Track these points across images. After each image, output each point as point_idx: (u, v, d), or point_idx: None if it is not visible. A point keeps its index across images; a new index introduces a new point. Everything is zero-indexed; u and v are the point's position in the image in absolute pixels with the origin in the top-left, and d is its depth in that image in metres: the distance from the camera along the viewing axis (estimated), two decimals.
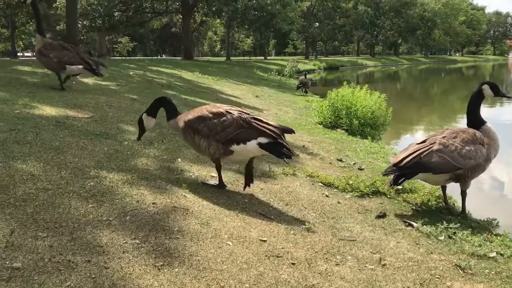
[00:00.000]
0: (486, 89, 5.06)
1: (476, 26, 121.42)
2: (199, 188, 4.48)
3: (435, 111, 21.45)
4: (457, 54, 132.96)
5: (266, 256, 3.34)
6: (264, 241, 3.58)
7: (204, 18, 47.15)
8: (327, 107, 10.50)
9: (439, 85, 39.58)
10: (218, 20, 51.51)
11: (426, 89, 36.10)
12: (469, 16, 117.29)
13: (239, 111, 4.38)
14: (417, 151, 4.68)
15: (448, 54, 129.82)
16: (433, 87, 37.71)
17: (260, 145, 4.20)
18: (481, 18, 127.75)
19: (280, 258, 3.35)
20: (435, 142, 4.71)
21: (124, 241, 3.13)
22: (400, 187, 5.36)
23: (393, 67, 72.95)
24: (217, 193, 4.45)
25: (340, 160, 6.90)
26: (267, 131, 4.19)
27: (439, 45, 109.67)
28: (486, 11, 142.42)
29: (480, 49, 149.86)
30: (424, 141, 4.84)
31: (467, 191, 4.95)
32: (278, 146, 4.20)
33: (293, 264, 3.29)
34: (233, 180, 4.92)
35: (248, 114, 4.37)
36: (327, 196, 5.04)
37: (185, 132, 4.45)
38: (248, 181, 4.54)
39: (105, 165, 4.55)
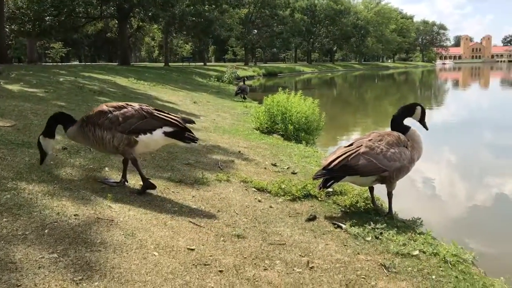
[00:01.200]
0: (418, 110, 5.24)
1: (405, 34, 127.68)
2: (125, 198, 4.33)
3: (369, 116, 22.24)
4: (389, 61, 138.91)
5: (194, 265, 3.27)
6: (192, 249, 3.50)
7: (140, 23, 46.29)
8: (264, 112, 10.57)
9: (372, 91, 41.15)
10: (155, 26, 50.68)
11: (361, 94, 37.41)
12: (399, 25, 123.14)
13: (139, 104, 4.51)
14: (344, 154, 4.79)
15: (380, 60, 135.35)
16: (367, 93, 39.14)
17: (166, 133, 4.39)
18: (410, 26, 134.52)
19: (207, 266, 3.29)
20: (361, 145, 4.84)
21: (40, 256, 2.95)
22: (330, 189, 5.47)
23: (329, 74, 75.07)
24: (145, 202, 4.32)
25: (275, 165, 6.93)
26: (171, 120, 4.38)
27: (372, 52, 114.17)
28: (414, 19, 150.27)
29: (410, 55, 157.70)
30: (351, 144, 4.96)
31: (393, 192, 5.11)
32: (183, 134, 4.42)
33: (220, 271, 3.24)
34: (163, 188, 4.81)
35: (149, 106, 4.50)
36: (259, 201, 5.04)
37: (85, 129, 4.34)
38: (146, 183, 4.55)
39: (25, 176, 4.29)
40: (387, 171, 4.78)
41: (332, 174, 4.72)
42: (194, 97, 17.25)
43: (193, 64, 68.94)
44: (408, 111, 5.25)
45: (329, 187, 4.80)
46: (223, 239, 3.81)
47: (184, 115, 11.34)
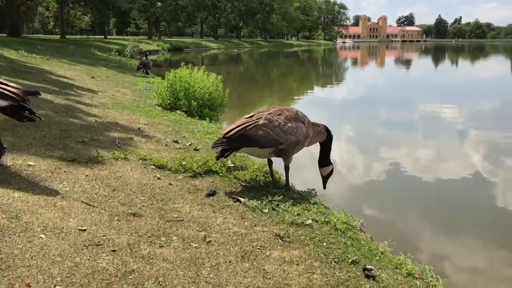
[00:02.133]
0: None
1: (309, 13, 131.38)
2: (11, 178, 4.03)
3: (274, 93, 22.70)
4: (293, 39, 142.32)
5: (85, 245, 3.15)
6: (84, 230, 3.37)
7: None
8: (166, 88, 10.36)
9: (278, 68, 42.00)
10: None
11: (266, 72, 38.04)
12: (303, 3, 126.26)
13: None
14: (243, 124, 4.87)
15: (285, 38, 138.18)
16: (273, 70, 39.89)
17: None
18: (313, 5, 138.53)
19: (100, 246, 3.19)
20: (261, 117, 4.95)
21: None
22: (230, 164, 5.55)
23: (236, 50, 75.26)
24: (32, 183, 4.06)
25: (176, 142, 6.87)
26: (7, 93, 3.82)
27: (277, 29, 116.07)
28: None
29: (313, 34, 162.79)
30: (251, 116, 5.04)
31: (291, 165, 5.30)
32: (20, 109, 3.87)
33: (113, 251, 3.16)
34: (54, 168, 4.55)
35: None
36: (158, 178, 4.97)
37: None
38: None
39: None
40: (284, 144, 4.93)
41: (230, 143, 4.77)
42: (92, 71, 16.41)
43: (93, 37, 65.31)
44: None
45: (226, 156, 4.86)
46: (118, 218, 3.71)
47: (81, 90, 10.77)
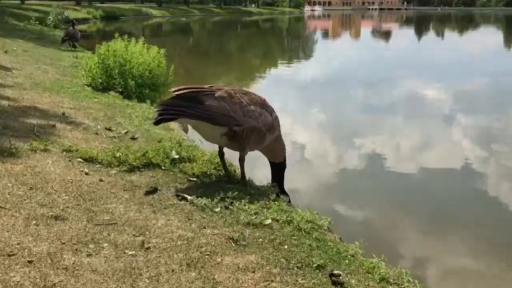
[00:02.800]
0: None
1: None
2: None
3: (231, 70, 22.72)
4: (253, 6, 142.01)
5: None
6: None
7: None
8: (97, 64, 10.18)
9: (235, 41, 41.95)
10: None
11: (221, 44, 37.91)
12: None
13: None
14: (199, 88, 4.88)
15: (243, 5, 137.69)
16: (229, 43, 39.82)
17: None
18: None
19: (13, 256, 3.12)
20: (222, 89, 4.96)
21: None
22: (174, 154, 5.61)
23: (184, 18, 74.62)
24: None
25: (110, 129, 6.81)
26: None
27: None
28: None
29: (276, 1, 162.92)
30: (211, 86, 5.06)
31: (250, 157, 5.35)
32: None
33: (30, 262, 3.10)
34: None
35: None
36: (87, 174, 4.91)
37: None
38: None
39: None
40: (240, 126, 4.94)
41: (176, 108, 4.73)
42: (5, 44, 15.88)
43: (6, 2, 63.08)
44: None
45: (169, 120, 4.91)
46: (36, 223, 3.64)
47: None
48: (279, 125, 5.47)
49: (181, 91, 4.79)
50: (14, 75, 10.05)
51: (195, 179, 5.27)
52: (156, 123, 4.81)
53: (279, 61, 26.41)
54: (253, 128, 5.06)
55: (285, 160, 5.73)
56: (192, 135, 7.23)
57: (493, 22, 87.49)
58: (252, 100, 5.11)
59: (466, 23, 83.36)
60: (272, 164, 5.74)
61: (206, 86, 5.04)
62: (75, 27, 19.62)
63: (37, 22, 29.27)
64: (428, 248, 5.94)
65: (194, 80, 18.68)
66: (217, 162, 5.71)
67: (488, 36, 52.71)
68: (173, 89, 4.93)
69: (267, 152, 5.63)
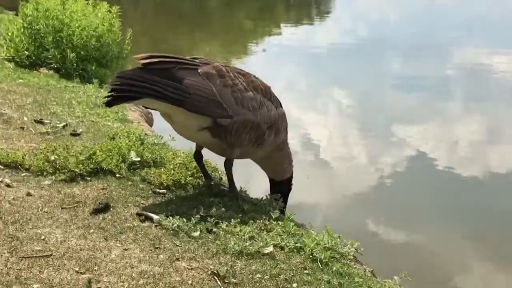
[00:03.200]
0: None
1: None
2: None
3: (216, 38, 22.60)
4: None
5: None
6: None
7: None
8: (22, 30, 10.16)
9: None
10: None
11: (200, 3, 37.80)
12: None
13: None
14: (176, 58, 4.77)
15: None
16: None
17: None
18: None
19: None
20: (209, 64, 4.87)
21: None
22: (133, 156, 5.57)
23: None
24: None
25: (41, 122, 6.79)
26: None
27: None
28: None
29: None
30: (194, 58, 4.98)
31: (236, 162, 5.31)
32: None
33: None
34: None
35: None
36: (8, 186, 4.91)
37: None
38: None
39: None
40: (229, 117, 4.86)
41: (142, 79, 4.62)
42: None
43: None
44: None
45: (127, 100, 4.82)
46: None
47: None
48: (286, 126, 5.40)
49: (150, 60, 4.67)
50: None
51: (164, 191, 5.24)
52: (109, 103, 4.70)
53: (282, 23, 26.35)
54: (248, 122, 4.98)
55: (291, 177, 5.69)
56: (160, 128, 7.20)
57: None
58: (251, 84, 5.03)
59: None
60: (273, 183, 5.70)
61: (187, 58, 4.96)
62: None
63: None
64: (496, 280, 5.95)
65: (162, 51, 18.51)
66: (195, 167, 5.69)
67: None
68: (139, 56, 4.79)
69: (267, 165, 5.57)
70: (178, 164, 5.70)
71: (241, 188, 5.49)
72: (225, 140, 5.02)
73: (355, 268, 4.45)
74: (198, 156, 5.40)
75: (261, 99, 5.04)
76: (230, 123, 4.89)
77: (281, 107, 5.34)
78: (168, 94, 4.62)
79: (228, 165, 5.25)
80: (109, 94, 4.66)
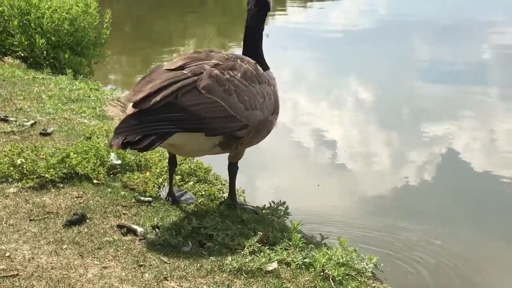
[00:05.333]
0: None
1: None
2: None
3: (208, 18, 22.57)
4: None
5: None
6: None
7: None
8: None
9: None
10: None
11: None
12: None
13: None
14: (172, 82, 4.70)
15: None
16: None
17: None
18: None
19: None
20: (201, 72, 4.82)
21: None
22: (113, 157, 5.59)
23: None
24: None
25: (5, 120, 6.84)
26: None
27: None
28: None
29: None
30: (181, 67, 4.90)
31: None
32: None
33: None
34: None
35: None
36: None
37: None
38: None
39: None
40: (245, 127, 4.87)
41: (151, 121, 4.58)
42: None
43: None
44: (263, 6, 5.43)
45: (152, 146, 4.67)
46: None
47: None
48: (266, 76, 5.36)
49: (153, 97, 4.52)
50: None
51: (150, 198, 5.25)
52: (123, 146, 4.42)
53: (288, 2, 26.35)
54: (260, 122, 5.01)
55: None
56: None
57: None
58: (246, 75, 5.02)
59: None
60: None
61: (173, 69, 4.88)
62: None
63: None
64: None
65: (146, 36, 18.60)
66: (185, 169, 5.72)
67: None
68: (137, 98, 4.69)
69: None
70: (166, 168, 5.71)
71: (238, 188, 5.51)
72: (236, 149, 5.05)
73: (374, 285, 4.45)
74: (173, 161, 5.32)
75: (259, 88, 5.04)
76: (244, 133, 4.93)
77: (270, 70, 5.38)
78: (188, 126, 4.64)
79: (234, 170, 5.30)
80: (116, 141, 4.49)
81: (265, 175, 7.86)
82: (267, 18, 5.56)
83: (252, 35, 5.44)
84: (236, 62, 5.03)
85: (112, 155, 5.69)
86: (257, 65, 5.23)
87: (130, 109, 4.62)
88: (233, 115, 4.80)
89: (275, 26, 20.56)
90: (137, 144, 4.37)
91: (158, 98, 4.52)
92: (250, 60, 5.20)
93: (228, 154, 5.21)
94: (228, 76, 4.86)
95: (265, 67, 5.38)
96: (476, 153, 9.64)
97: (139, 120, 4.47)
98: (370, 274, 4.53)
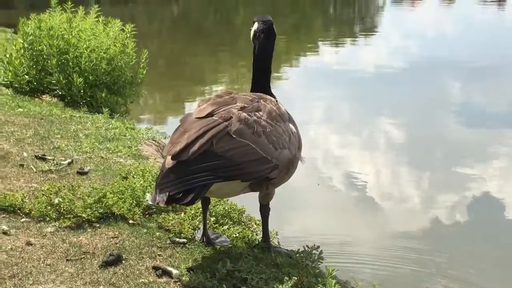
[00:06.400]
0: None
1: None
2: None
3: (241, 58, 22.51)
4: None
5: None
6: None
7: None
8: (22, 52, 10.32)
9: (246, 7, 42.11)
10: None
11: (225, 13, 38.08)
12: None
13: None
14: (207, 131, 4.74)
15: None
16: (237, 11, 40.01)
17: None
18: None
19: None
20: (229, 117, 4.85)
21: None
22: (149, 198, 5.54)
23: None
24: None
25: (43, 159, 6.85)
26: None
27: None
28: None
29: None
30: (210, 114, 4.92)
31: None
32: None
33: None
34: None
35: None
36: (5, 233, 4.96)
37: None
38: None
39: None
40: (276, 168, 4.89)
41: (191, 173, 4.59)
42: None
43: None
44: (269, 33, 5.49)
45: (186, 199, 4.67)
46: None
47: None
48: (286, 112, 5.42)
49: (189, 149, 4.55)
50: None
51: (185, 240, 5.25)
52: (167, 202, 4.47)
53: (320, 42, 26.37)
54: (289, 161, 5.03)
55: None
56: None
57: None
58: (273, 115, 5.04)
59: None
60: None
61: (204, 116, 4.90)
62: None
63: None
64: None
65: (181, 74, 18.71)
66: (220, 211, 5.73)
67: None
68: (176, 150, 4.73)
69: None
70: (200, 209, 5.70)
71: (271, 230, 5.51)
72: (266, 189, 5.06)
73: None
74: (207, 201, 5.35)
75: (284, 127, 5.06)
76: (277, 173, 4.94)
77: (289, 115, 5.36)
78: (226, 174, 4.65)
79: (266, 212, 5.29)
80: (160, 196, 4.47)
81: (297, 216, 7.83)
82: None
83: (263, 70, 5.49)
84: (260, 102, 5.05)
85: (148, 196, 5.69)
86: (278, 101, 5.29)
87: (169, 161, 4.62)
88: (265, 156, 4.80)
89: (308, 64, 20.58)
90: (181, 200, 4.40)
91: (196, 147, 4.54)
92: (272, 98, 5.28)
93: (258, 194, 5.22)
94: (255, 117, 4.87)
95: (273, 95, 5.45)
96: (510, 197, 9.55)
97: (179, 173, 4.49)
98: None
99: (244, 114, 4.83)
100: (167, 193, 4.37)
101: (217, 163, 4.60)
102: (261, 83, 5.45)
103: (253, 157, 4.76)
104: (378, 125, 13.62)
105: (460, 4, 49.14)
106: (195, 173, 4.49)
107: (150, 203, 5.65)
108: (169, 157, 4.64)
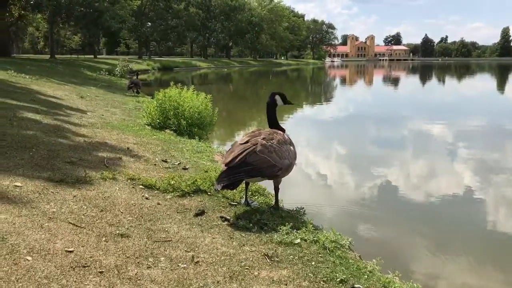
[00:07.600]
0: (278, 99, 5.56)
1: (297, 32, 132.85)
2: None
3: (263, 111, 22.63)
4: (282, 58, 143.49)
5: (71, 267, 3.12)
6: (71, 251, 3.34)
7: (22, 11, 42.70)
8: (155, 108, 10.38)
9: (267, 86, 42.21)
10: (39, 15, 47.10)
11: (255, 90, 38.20)
12: (291, 23, 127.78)
13: None
14: (243, 151, 4.84)
15: (274, 57, 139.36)
16: (262, 88, 40.06)
17: None
18: (301, 25, 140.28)
19: (87, 268, 3.16)
20: (256, 143, 4.94)
21: None
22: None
23: (225, 69, 75.67)
24: (19, 205, 4.02)
25: (165, 161, 6.86)
26: None
27: (266, 48, 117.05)
28: (305, 18, 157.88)
29: (301, 53, 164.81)
30: (246, 142, 5.03)
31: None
32: None
33: (101, 272, 3.13)
34: (41, 189, 4.52)
35: None
36: (147, 198, 4.95)
37: None
38: None
39: None
40: (280, 170, 4.96)
41: (233, 175, 4.70)
42: (81, 91, 16.40)
43: (82, 56, 65.49)
44: (272, 104, 5.54)
45: (233, 188, 4.84)
46: (105, 239, 3.68)
47: (69, 110, 10.75)
48: (290, 139, 5.43)
49: (234, 160, 4.73)
50: (88, 116, 10.32)
51: (236, 203, 5.28)
52: (223, 187, 4.68)
53: (304, 103, 26.31)
54: (288, 166, 5.09)
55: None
56: None
57: (487, 70, 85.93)
58: (279, 141, 5.09)
59: (464, 71, 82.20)
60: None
61: (243, 143, 4.99)
62: (138, 77, 20.21)
63: (106, 73, 30.23)
64: (439, 266, 5.72)
65: (233, 119, 18.99)
66: (254, 189, 5.72)
67: (483, 81, 51.84)
68: (224, 160, 4.88)
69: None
70: (243, 187, 5.71)
71: (281, 200, 5.48)
72: (276, 181, 5.14)
73: (350, 254, 4.38)
74: (247, 183, 5.39)
75: (286, 148, 5.08)
76: (281, 172, 4.99)
77: (291, 141, 5.33)
78: (253, 174, 4.78)
79: (277, 190, 5.27)
80: (224, 186, 4.63)
81: (294, 193, 7.77)
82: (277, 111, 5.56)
83: (272, 117, 5.53)
84: (273, 135, 5.12)
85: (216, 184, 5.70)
86: (284, 134, 5.29)
87: (223, 167, 4.87)
88: (274, 164, 4.86)
89: (298, 115, 20.52)
90: (228, 187, 4.69)
91: (237, 159, 4.74)
92: (280, 132, 5.30)
93: (273, 181, 5.20)
94: (270, 143, 4.95)
95: (283, 131, 5.42)
96: (401, 185, 9.34)
97: (228, 173, 4.70)
98: (348, 247, 4.47)
99: (264, 141, 4.93)
100: (221, 184, 4.60)
101: (249, 168, 4.73)
102: (272, 124, 5.48)
103: (268, 164, 4.84)
104: (330, 145, 13.54)
105: (375, 83, 48.98)
106: (236, 174, 4.68)
107: (214, 188, 5.69)
108: (223, 164, 4.89)
